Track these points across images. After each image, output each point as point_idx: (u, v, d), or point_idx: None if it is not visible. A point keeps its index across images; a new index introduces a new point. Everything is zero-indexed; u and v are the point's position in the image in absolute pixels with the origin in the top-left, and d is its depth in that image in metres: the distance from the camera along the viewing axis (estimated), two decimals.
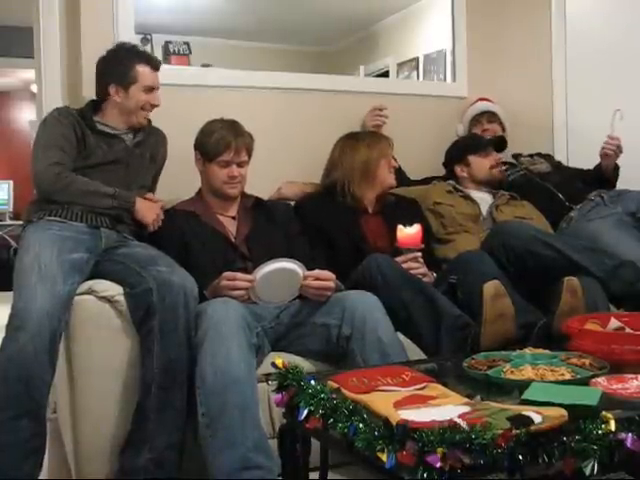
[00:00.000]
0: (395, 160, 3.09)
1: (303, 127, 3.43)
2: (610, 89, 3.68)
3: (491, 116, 3.65)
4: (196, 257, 2.52)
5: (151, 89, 2.63)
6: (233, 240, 2.62)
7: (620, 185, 3.45)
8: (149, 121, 2.73)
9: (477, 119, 3.65)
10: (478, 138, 3.43)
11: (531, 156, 3.62)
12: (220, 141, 2.59)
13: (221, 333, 2.12)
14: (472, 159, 3.31)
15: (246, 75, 3.39)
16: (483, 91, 3.79)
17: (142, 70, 2.61)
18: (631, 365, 1.85)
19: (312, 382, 1.65)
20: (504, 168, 3.42)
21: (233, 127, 2.64)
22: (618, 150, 3.33)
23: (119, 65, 2.61)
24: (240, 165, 2.63)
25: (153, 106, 2.66)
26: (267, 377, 2.17)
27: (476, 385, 1.82)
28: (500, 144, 3.39)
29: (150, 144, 2.72)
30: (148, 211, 2.55)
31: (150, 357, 2.17)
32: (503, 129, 3.67)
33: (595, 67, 3.77)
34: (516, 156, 3.61)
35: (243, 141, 2.63)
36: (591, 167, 3.46)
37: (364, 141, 3.04)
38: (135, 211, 2.53)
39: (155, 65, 2.65)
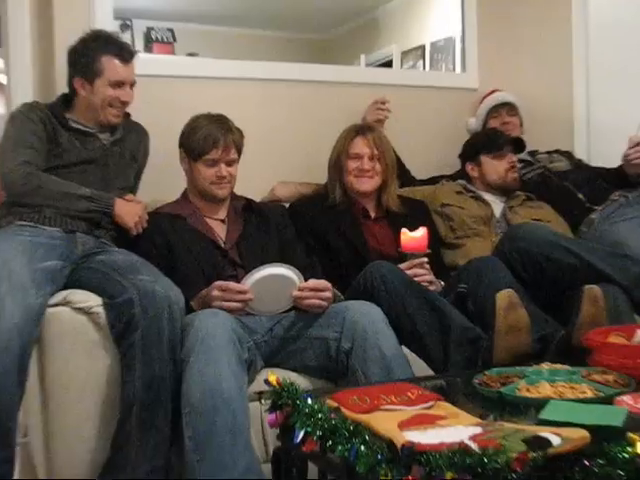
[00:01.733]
0: (377, 160, 3.00)
1: (298, 122, 3.44)
2: (636, 79, 3.69)
3: (512, 108, 3.66)
4: (182, 264, 2.53)
5: (119, 84, 2.61)
6: (222, 245, 2.63)
7: None
8: (128, 115, 2.74)
9: (496, 110, 3.65)
10: (495, 136, 3.41)
11: (549, 153, 3.63)
12: (207, 138, 2.60)
13: (209, 348, 2.13)
14: (485, 159, 3.32)
15: (236, 65, 3.40)
16: (496, 82, 3.80)
17: (108, 62, 2.59)
18: None
19: (309, 401, 1.66)
20: (520, 166, 3.43)
21: (221, 122, 2.64)
22: None
23: (85, 56, 2.60)
24: (229, 164, 2.64)
25: (123, 103, 2.63)
26: (260, 395, 2.16)
27: (488, 404, 1.82)
28: (518, 146, 3.39)
29: (130, 141, 2.73)
30: (129, 213, 2.56)
31: (131, 374, 2.17)
32: (521, 124, 3.68)
33: (620, 57, 3.76)
34: (532, 153, 3.61)
35: (232, 137, 2.64)
36: (614, 165, 3.47)
37: (341, 134, 3.05)
38: (115, 214, 2.53)
39: (125, 57, 2.61)
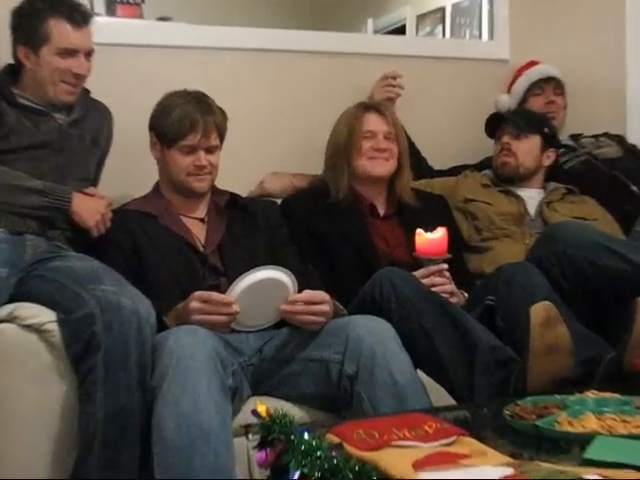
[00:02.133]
0: (394, 140, 3.03)
1: (293, 101, 3.45)
2: None
3: (558, 86, 3.67)
4: (153, 272, 2.53)
5: (71, 52, 2.59)
6: (201, 249, 2.63)
7: None
8: (87, 91, 2.73)
9: (540, 86, 3.66)
10: (496, 115, 3.43)
11: (595, 137, 3.63)
12: (183, 119, 2.60)
13: (186, 372, 2.13)
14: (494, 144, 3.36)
15: (216, 32, 3.40)
16: (530, 53, 3.81)
17: (57, 26, 2.57)
18: None
19: (306, 435, 1.66)
20: (560, 151, 3.42)
21: (200, 101, 2.65)
22: None
23: (29, 18, 2.59)
24: (209, 151, 2.65)
25: (77, 77, 2.62)
26: (246, 429, 2.16)
27: (522, 439, 1.82)
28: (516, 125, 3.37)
29: (90, 122, 2.73)
30: (89, 211, 2.56)
31: (92, 404, 2.17)
32: (564, 106, 3.68)
33: None
34: (575, 137, 3.62)
35: (213, 119, 2.64)
36: None
37: (346, 112, 3.07)
38: (72, 211, 2.54)
39: (77, 20, 2.60)
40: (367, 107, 3.07)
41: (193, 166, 2.63)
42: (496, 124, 3.38)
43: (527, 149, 3.34)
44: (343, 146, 3.01)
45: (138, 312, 2.22)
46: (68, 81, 2.61)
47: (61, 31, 2.58)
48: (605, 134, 3.64)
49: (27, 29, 2.59)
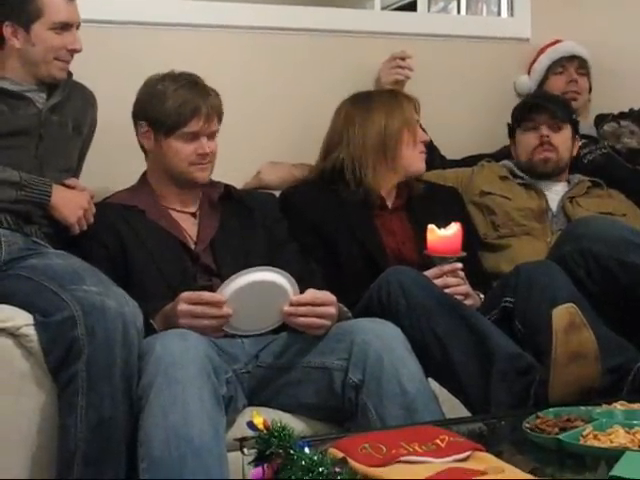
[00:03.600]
0: (424, 132, 3.10)
1: (292, 84, 3.45)
2: None
3: (582, 65, 3.67)
4: (139, 271, 2.54)
5: (65, 26, 2.60)
6: (193, 246, 2.64)
7: None
8: (69, 74, 2.74)
9: (562, 65, 3.67)
10: (527, 102, 3.42)
11: (617, 122, 3.60)
12: (184, 105, 2.61)
13: (176, 381, 2.13)
14: (518, 134, 3.36)
15: (208, 8, 3.39)
16: (553, 31, 3.82)
17: None
18: None
19: (306, 449, 1.66)
20: (580, 143, 3.42)
21: (195, 84, 2.66)
22: None
23: None
24: (210, 137, 2.66)
25: (72, 52, 2.63)
26: (242, 443, 2.17)
27: (543, 455, 1.83)
28: (557, 114, 3.34)
29: (73, 108, 2.73)
30: (70, 205, 2.56)
31: (73, 416, 2.17)
32: (590, 89, 3.68)
33: None
34: (598, 123, 3.60)
35: (212, 103, 2.65)
36: None
37: (379, 104, 3.05)
38: (51, 207, 2.54)
39: None
40: (400, 95, 3.10)
41: (195, 155, 2.64)
42: (527, 112, 3.35)
43: (564, 140, 3.33)
44: (389, 138, 3.00)
45: (124, 315, 2.21)
46: (63, 58, 2.62)
47: (54, 4, 2.58)
48: (630, 113, 3.60)
49: (15, 4, 2.59)
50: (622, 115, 3.62)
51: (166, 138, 2.64)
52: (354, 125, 3.03)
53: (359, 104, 3.08)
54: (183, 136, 2.62)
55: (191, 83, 2.65)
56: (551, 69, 3.67)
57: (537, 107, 3.34)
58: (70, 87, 2.74)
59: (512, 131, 3.39)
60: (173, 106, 2.61)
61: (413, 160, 3.03)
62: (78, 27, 2.65)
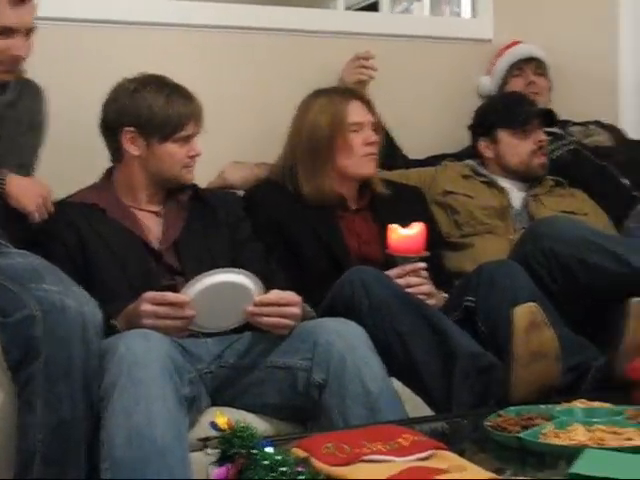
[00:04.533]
0: (378, 130, 3.04)
1: (254, 84, 3.45)
2: None
3: (539, 66, 3.69)
4: (101, 270, 2.52)
5: (9, 31, 2.53)
6: (156, 246, 2.63)
7: None
8: (22, 72, 2.70)
9: (520, 67, 3.69)
10: (517, 104, 3.42)
11: (585, 125, 3.66)
12: (181, 110, 2.63)
13: (138, 381, 2.11)
14: (503, 136, 3.34)
15: (165, 6, 3.38)
16: (516, 32, 3.83)
17: None
18: None
19: (269, 449, 1.66)
20: (548, 139, 3.43)
21: (180, 88, 2.68)
22: None
23: None
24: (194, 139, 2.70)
25: (15, 58, 2.55)
26: (205, 443, 2.16)
27: (505, 453, 1.84)
28: (548, 120, 3.39)
29: (26, 105, 2.69)
30: (28, 193, 2.52)
31: (31, 417, 2.15)
32: (549, 88, 3.71)
33: None
34: (564, 124, 3.63)
35: (198, 104, 2.68)
36: None
37: (320, 99, 3.03)
38: (8, 195, 2.51)
39: None
40: (348, 95, 3.04)
41: (187, 157, 2.66)
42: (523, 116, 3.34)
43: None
44: (325, 141, 2.96)
45: (83, 314, 2.19)
46: (4, 63, 2.58)
47: None
48: (596, 122, 3.68)
49: None
50: (587, 122, 3.66)
51: (161, 143, 2.64)
52: (294, 124, 3.05)
53: (307, 100, 3.06)
54: (179, 140, 2.64)
55: (176, 87, 2.67)
56: (509, 72, 3.69)
57: (533, 112, 3.36)
58: (22, 84, 2.71)
59: (487, 130, 3.38)
60: (170, 112, 2.62)
61: (357, 165, 2.98)
62: (30, 31, 2.60)
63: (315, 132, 2.97)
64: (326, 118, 2.97)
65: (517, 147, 3.33)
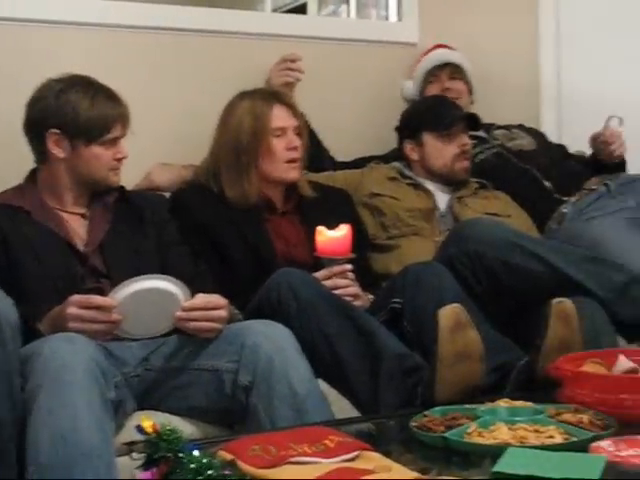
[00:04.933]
0: (302, 134, 3.03)
1: (180, 85, 3.43)
2: (619, 38, 3.78)
3: (454, 70, 3.72)
4: (25, 273, 2.49)
5: None
6: (82, 249, 2.60)
7: (631, 170, 3.57)
8: None
9: (434, 73, 3.71)
10: (442, 107, 3.45)
11: (508, 129, 3.70)
12: (108, 112, 2.60)
13: (63, 385, 2.10)
14: (428, 139, 3.36)
15: (94, 6, 3.34)
16: (441, 36, 3.86)
17: None
18: None
19: (196, 452, 1.66)
20: (471, 144, 3.46)
21: (102, 88, 2.64)
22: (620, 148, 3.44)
23: None
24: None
25: None
26: (130, 447, 2.15)
27: (430, 453, 1.85)
28: (472, 123, 3.43)
29: None
30: None
31: None
32: (470, 91, 3.74)
33: (600, 6, 3.86)
34: (488, 128, 3.67)
35: (125, 106, 2.66)
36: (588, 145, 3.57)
37: (244, 102, 3.01)
38: None
39: None
40: (271, 98, 3.02)
41: (114, 159, 2.64)
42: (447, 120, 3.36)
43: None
44: (248, 145, 2.95)
45: (5, 316, 2.14)
46: None
47: None
48: (519, 126, 3.72)
49: None
50: (510, 126, 3.70)
51: (87, 145, 2.60)
52: (219, 127, 3.04)
53: (232, 101, 3.05)
54: (105, 142, 2.61)
55: (103, 88, 2.64)
56: (426, 78, 3.71)
57: (458, 116, 3.38)
58: None
59: (412, 133, 3.40)
60: (96, 114, 2.59)
61: (280, 170, 2.97)
62: None
63: (238, 136, 2.97)
64: (249, 122, 2.96)
65: (441, 150, 3.35)
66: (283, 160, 2.97)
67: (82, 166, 2.63)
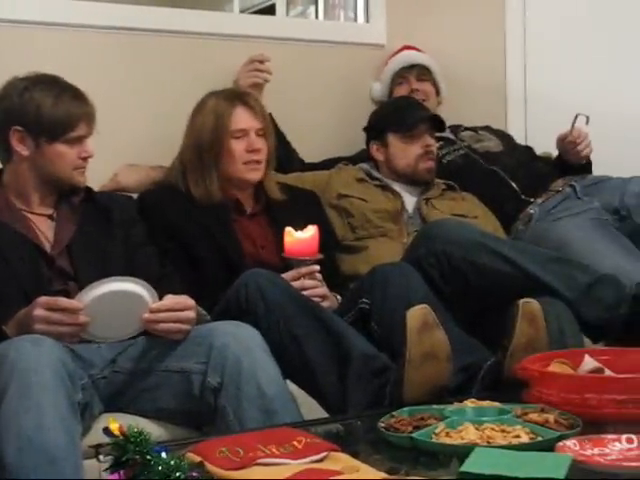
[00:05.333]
0: (266, 136, 3.01)
1: (148, 86, 3.43)
2: (585, 40, 3.80)
3: (422, 72, 3.73)
4: None
5: None
6: (48, 250, 2.59)
7: (596, 171, 3.59)
8: None
9: (402, 75, 3.73)
10: (406, 108, 3.46)
11: (475, 130, 3.72)
12: (72, 110, 2.57)
13: (29, 387, 2.09)
14: (392, 139, 3.37)
15: (61, 6, 3.33)
16: (409, 37, 3.88)
17: None
18: (612, 421, 1.92)
19: (163, 455, 1.65)
20: (438, 145, 3.48)
21: (73, 88, 2.62)
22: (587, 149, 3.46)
23: None
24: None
25: None
26: (98, 450, 2.14)
27: (398, 453, 1.86)
28: (437, 124, 3.43)
29: None
30: None
31: None
32: (437, 92, 3.75)
33: (565, 9, 3.88)
34: (455, 129, 3.69)
35: (91, 105, 2.63)
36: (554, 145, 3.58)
37: (209, 103, 3.01)
38: None
39: None
40: (235, 99, 3.01)
41: (79, 158, 2.61)
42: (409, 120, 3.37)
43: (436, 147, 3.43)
44: (209, 145, 2.96)
45: None
46: None
47: None
48: (486, 127, 3.74)
49: None
50: (477, 128, 3.72)
51: (50, 143, 2.58)
52: (187, 127, 3.04)
53: (196, 105, 3.04)
54: (69, 141, 2.58)
55: (68, 87, 2.62)
56: (394, 80, 3.73)
57: (421, 117, 3.38)
58: None
59: (378, 134, 3.41)
60: (59, 112, 2.56)
61: (240, 171, 2.97)
62: None
63: (201, 135, 2.98)
64: (211, 122, 2.97)
65: (405, 150, 3.36)
66: (242, 161, 2.96)
67: (46, 165, 2.61)
